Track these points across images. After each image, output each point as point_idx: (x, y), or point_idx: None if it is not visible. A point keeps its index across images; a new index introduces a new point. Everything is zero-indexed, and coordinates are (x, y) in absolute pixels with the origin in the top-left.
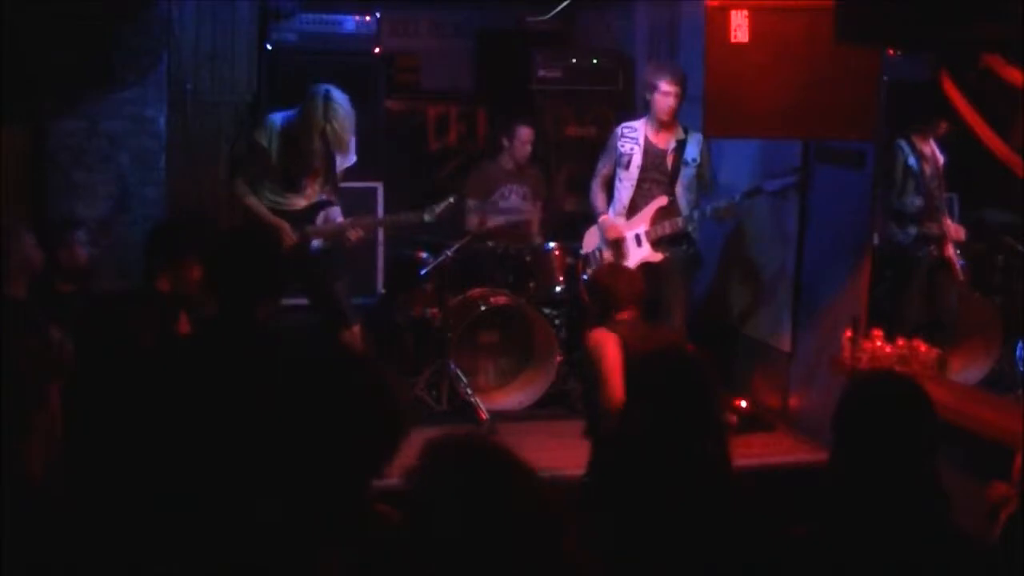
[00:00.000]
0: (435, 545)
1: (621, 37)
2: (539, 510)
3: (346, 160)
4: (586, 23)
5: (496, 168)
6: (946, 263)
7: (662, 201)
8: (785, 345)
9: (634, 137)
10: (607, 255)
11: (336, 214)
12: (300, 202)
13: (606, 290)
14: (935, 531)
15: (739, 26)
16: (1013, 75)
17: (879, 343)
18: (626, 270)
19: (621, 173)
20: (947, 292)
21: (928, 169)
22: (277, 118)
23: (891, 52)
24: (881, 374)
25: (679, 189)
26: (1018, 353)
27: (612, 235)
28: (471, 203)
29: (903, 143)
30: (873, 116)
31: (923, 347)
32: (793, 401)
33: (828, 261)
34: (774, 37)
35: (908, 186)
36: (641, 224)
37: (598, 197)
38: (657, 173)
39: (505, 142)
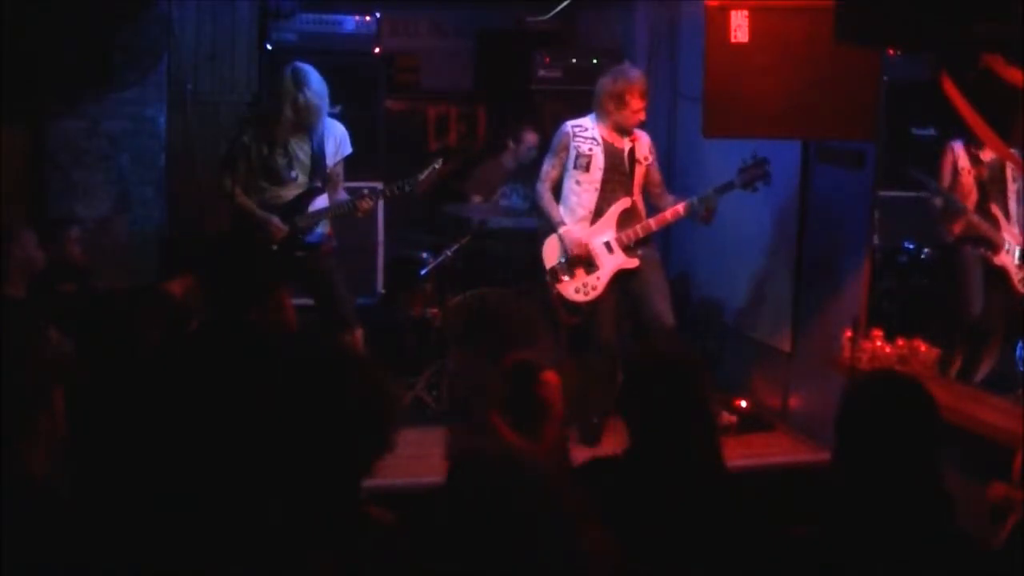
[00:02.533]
0: (456, 546)
1: (621, 37)
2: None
3: (340, 150)
4: (586, 23)
5: (498, 167)
6: (998, 270)
7: (625, 203)
8: (785, 345)
9: (591, 137)
10: (579, 270)
11: (335, 199)
12: (288, 193)
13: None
14: (938, 532)
15: (739, 26)
16: (1013, 75)
17: (879, 343)
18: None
19: (579, 176)
20: (997, 299)
21: (985, 171)
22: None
23: (891, 52)
24: (884, 374)
25: (636, 190)
26: (1018, 353)
27: (579, 252)
28: (475, 199)
29: (957, 144)
30: (873, 116)
31: (923, 347)
32: (793, 401)
33: (828, 261)
34: (774, 37)
35: (955, 187)
36: (607, 230)
37: (551, 204)
38: (618, 175)
39: (511, 143)
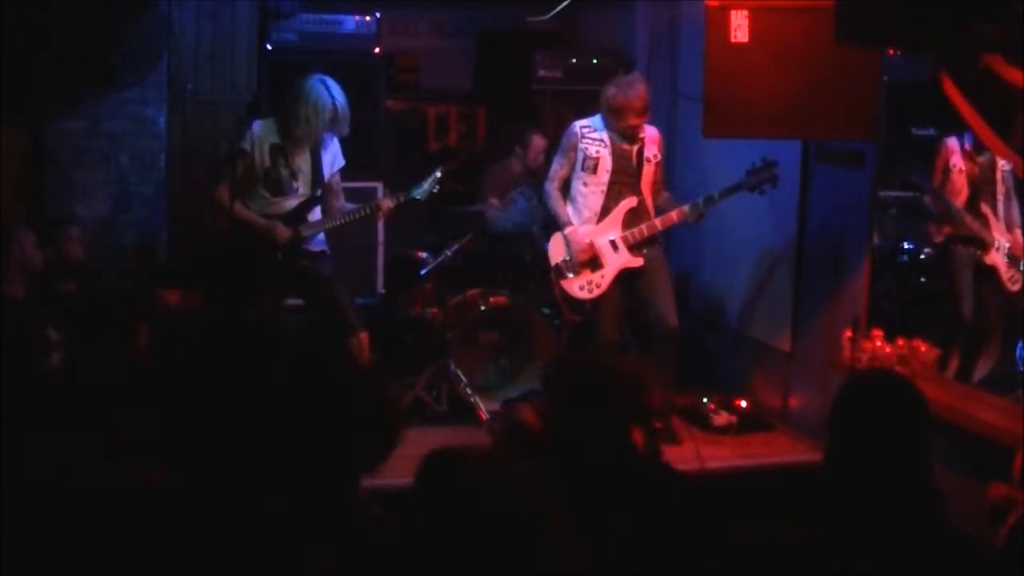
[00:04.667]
0: (430, 550)
1: (621, 37)
2: (528, 515)
3: (336, 162)
4: (586, 23)
5: (508, 170)
6: (988, 268)
7: (632, 202)
8: (785, 345)
9: (599, 139)
10: (584, 268)
11: (339, 208)
12: (289, 203)
13: None
14: (929, 528)
15: (739, 26)
16: (1013, 75)
17: (879, 343)
18: None
19: (587, 178)
20: (989, 298)
21: (977, 171)
22: (257, 125)
23: (891, 52)
24: (875, 373)
25: (645, 188)
26: (1018, 353)
27: (582, 255)
28: (492, 202)
29: (952, 141)
30: (873, 116)
31: (923, 347)
32: (793, 401)
33: (828, 261)
34: (774, 37)
35: (945, 185)
36: (613, 229)
37: (559, 203)
38: (625, 176)
39: (518, 149)
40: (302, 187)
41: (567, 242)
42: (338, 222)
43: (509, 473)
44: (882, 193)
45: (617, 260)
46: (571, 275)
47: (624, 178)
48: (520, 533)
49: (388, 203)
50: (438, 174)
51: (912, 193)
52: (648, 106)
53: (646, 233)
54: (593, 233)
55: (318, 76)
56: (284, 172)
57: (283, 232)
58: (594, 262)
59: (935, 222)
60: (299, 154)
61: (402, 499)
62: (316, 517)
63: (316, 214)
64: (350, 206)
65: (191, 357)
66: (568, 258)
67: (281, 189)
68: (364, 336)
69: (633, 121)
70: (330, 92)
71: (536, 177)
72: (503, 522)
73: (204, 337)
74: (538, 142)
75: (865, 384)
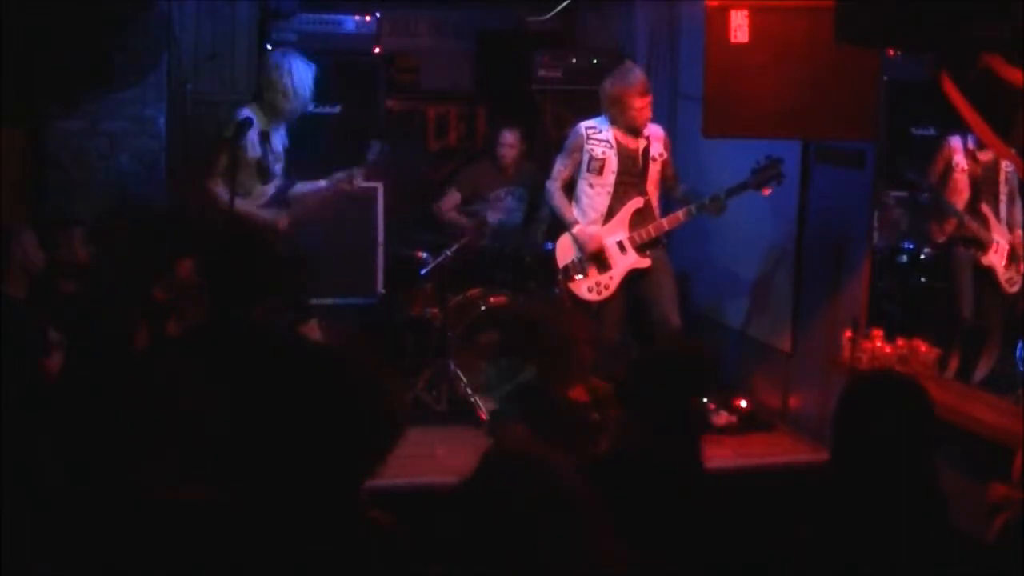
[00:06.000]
0: (482, 547)
1: (621, 37)
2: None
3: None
4: (586, 23)
5: (489, 168)
6: (987, 269)
7: (638, 203)
8: (785, 345)
9: (604, 140)
10: (592, 269)
11: (305, 187)
12: (270, 189)
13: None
14: (932, 532)
15: (739, 26)
16: (1013, 75)
17: (879, 343)
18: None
19: (592, 179)
20: (987, 299)
21: (980, 171)
22: (244, 111)
23: (891, 52)
24: (880, 373)
25: (650, 188)
26: (1018, 353)
27: (593, 248)
28: (454, 193)
29: (955, 139)
30: (873, 116)
31: (923, 347)
32: (793, 401)
33: (828, 261)
34: (774, 37)
35: (947, 184)
36: (620, 230)
37: (564, 203)
38: (631, 176)
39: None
40: (279, 171)
41: (576, 240)
42: (308, 201)
43: (552, 472)
44: (883, 193)
45: (625, 261)
46: (579, 277)
47: (629, 178)
48: (563, 532)
49: (350, 179)
50: (384, 147)
51: (908, 191)
52: (648, 88)
53: (653, 233)
54: (600, 234)
55: (278, 50)
56: (270, 157)
57: (284, 222)
58: (602, 263)
59: (936, 221)
60: (276, 136)
61: (456, 496)
62: (316, 517)
63: (295, 194)
64: (310, 185)
65: (195, 356)
66: (577, 259)
67: (267, 175)
68: (313, 323)
69: (637, 103)
70: (301, 57)
71: (507, 174)
72: (546, 521)
73: (208, 336)
74: (507, 137)
75: (871, 385)
